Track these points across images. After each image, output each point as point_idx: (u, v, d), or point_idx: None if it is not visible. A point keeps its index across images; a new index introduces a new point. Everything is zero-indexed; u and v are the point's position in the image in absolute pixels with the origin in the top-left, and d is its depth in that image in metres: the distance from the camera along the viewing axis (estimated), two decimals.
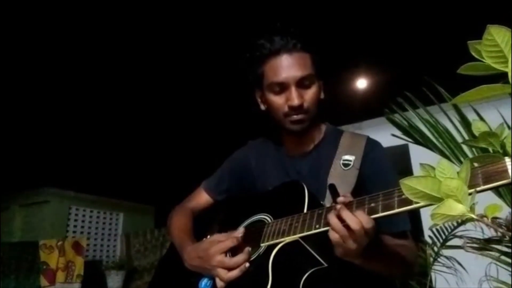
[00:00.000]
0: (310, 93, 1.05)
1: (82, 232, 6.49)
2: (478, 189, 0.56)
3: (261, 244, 0.93)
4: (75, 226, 6.47)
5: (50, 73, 3.59)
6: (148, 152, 5.42)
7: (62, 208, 6.30)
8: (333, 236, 0.75)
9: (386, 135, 1.69)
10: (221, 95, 4.12)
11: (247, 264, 0.89)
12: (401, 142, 1.88)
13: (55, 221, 6.15)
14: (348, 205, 0.77)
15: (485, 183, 0.57)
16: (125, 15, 2.96)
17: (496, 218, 0.54)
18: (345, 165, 1.03)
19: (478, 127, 0.60)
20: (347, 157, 1.05)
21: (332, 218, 0.75)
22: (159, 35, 3.22)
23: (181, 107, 4.36)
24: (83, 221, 6.61)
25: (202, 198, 1.28)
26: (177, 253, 1.09)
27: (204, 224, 1.18)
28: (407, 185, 0.53)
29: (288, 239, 0.87)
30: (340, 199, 0.78)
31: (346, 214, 0.73)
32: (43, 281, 5.17)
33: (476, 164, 0.60)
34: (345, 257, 0.78)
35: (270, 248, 0.89)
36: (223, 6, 2.92)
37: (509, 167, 0.54)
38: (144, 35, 3.21)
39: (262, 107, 1.16)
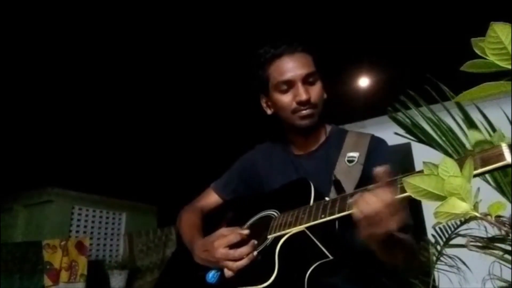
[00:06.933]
0: (315, 89, 1.10)
1: (85, 232, 6.50)
2: (476, 172, 0.58)
3: (268, 236, 0.96)
4: (78, 226, 6.47)
5: (52, 73, 3.60)
6: (151, 152, 5.43)
7: (65, 208, 6.31)
8: (360, 216, 0.74)
9: (389, 134, 1.68)
10: (224, 97, 4.13)
11: (255, 253, 0.93)
12: (404, 140, 1.88)
13: (58, 221, 6.16)
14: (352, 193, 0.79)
15: (482, 166, 0.58)
16: (128, 15, 2.96)
17: (500, 216, 0.54)
18: (350, 161, 1.06)
19: (475, 137, 0.60)
20: (351, 154, 1.08)
21: (358, 200, 0.75)
22: (168, 35, 3.22)
23: (184, 108, 4.36)
24: (86, 221, 6.62)
25: (211, 197, 1.33)
26: (186, 250, 1.12)
27: (213, 222, 1.21)
28: (411, 183, 0.53)
29: (294, 229, 0.89)
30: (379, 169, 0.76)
31: (367, 196, 0.74)
32: (47, 281, 5.18)
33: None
34: (371, 242, 0.77)
35: (277, 239, 0.91)
36: (228, 7, 2.92)
37: (505, 150, 0.57)
38: (152, 36, 3.22)
39: (269, 111, 1.21)
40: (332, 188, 1.00)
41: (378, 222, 0.72)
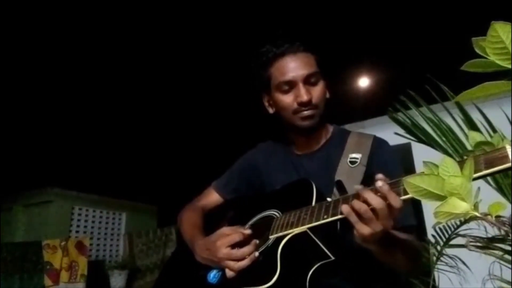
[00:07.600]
0: (317, 90, 1.09)
1: (85, 232, 6.51)
2: (480, 174, 0.58)
3: (270, 236, 0.95)
4: (78, 226, 6.49)
5: (52, 73, 3.60)
6: (151, 152, 5.43)
7: (65, 208, 6.32)
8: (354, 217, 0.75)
9: (389, 134, 1.68)
10: (225, 97, 4.12)
11: (257, 254, 0.92)
12: (404, 140, 1.88)
13: (58, 221, 6.17)
14: (355, 195, 0.79)
15: (486, 168, 0.58)
16: (128, 15, 2.96)
17: (500, 216, 0.54)
18: (352, 162, 1.05)
19: (474, 137, 0.60)
20: (354, 155, 1.07)
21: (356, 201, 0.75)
22: (169, 35, 3.22)
23: (184, 107, 4.36)
24: (86, 221, 6.63)
25: (212, 196, 1.32)
26: (187, 249, 1.11)
27: (214, 222, 1.20)
28: (411, 183, 0.53)
29: (296, 230, 0.88)
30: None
31: (369, 195, 0.73)
32: (47, 281, 5.19)
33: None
34: (366, 241, 0.77)
35: (279, 239, 0.91)
36: (229, 7, 2.92)
37: (509, 152, 0.56)
38: (153, 36, 3.21)
39: (270, 110, 1.20)
40: (335, 190, 1.00)
41: (371, 219, 0.73)
